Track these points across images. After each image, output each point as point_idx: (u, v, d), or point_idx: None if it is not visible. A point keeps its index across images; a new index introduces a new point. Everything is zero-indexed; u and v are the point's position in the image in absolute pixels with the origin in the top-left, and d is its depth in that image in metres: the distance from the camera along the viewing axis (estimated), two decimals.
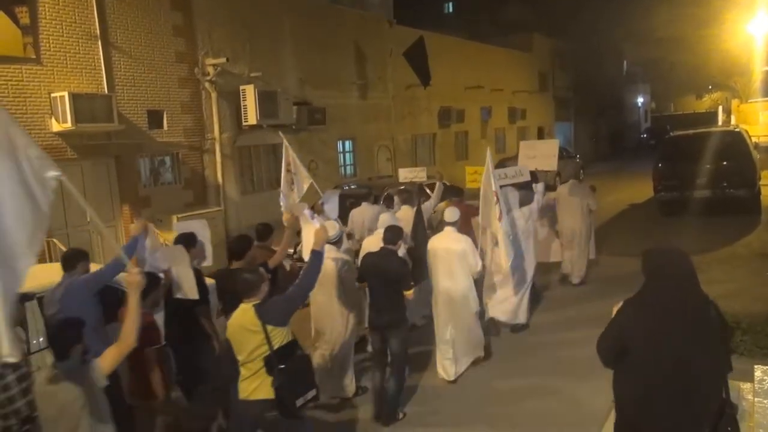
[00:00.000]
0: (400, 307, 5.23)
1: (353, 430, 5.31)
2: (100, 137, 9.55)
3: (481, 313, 6.54)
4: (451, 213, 6.11)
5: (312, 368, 4.17)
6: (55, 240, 8.85)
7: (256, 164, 13.13)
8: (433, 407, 5.56)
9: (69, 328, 3.21)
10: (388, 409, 5.27)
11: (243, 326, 3.80)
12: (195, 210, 10.68)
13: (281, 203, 6.84)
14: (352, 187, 11.21)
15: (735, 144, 12.94)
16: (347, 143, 16.28)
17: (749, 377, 3.69)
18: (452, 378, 5.92)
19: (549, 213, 8.87)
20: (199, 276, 5.14)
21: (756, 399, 3.90)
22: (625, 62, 40.86)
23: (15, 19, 8.44)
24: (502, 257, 6.22)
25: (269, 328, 3.74)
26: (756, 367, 3.75)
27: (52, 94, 8.82)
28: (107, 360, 3.17)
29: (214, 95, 11.60)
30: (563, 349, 6.45)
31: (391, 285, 5.16)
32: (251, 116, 11.97)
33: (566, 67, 32.29)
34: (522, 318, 7.18)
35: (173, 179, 11.12)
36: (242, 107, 12.03)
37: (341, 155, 16.06)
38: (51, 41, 8.90)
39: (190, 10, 11.24)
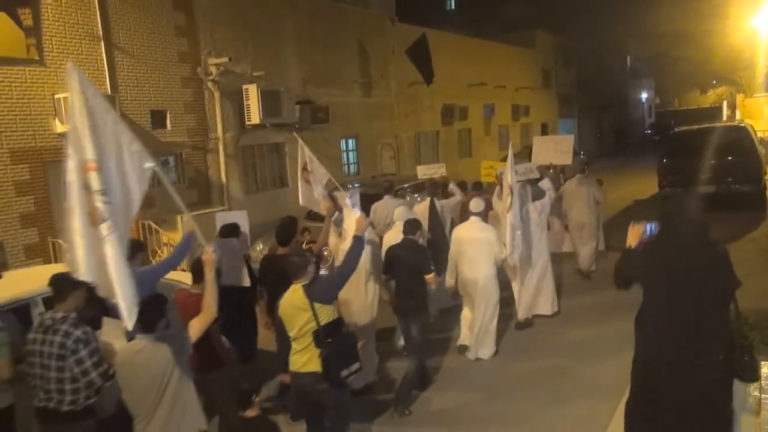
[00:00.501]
0: (421, 294, 5.57)
1: (376, 412, 5.46)
2: None
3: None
4: (477, 203, 6.48)
5: (356, 344, 4.69)
6: (60, 241, 8.86)
7: (259, 163, 13.14)
8: (453, 385, 5.95)
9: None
10: (400, 393, 5.47)
11: (293, 305, 4.25)
12: (199, 210, 10.68)
13: (300, 200, 7.11)
14: (356, 185, 11.22)
15: (740, 139, 12.88)
16: (350, 141, 16.27)
17: (753, 375, 3.68)
18: (472, 357, 6.46)
19: (557, 207, 9.06)
20: (247, 264, 5.66)
21: (763, 395, 3.89)
22: (628, 58, 40.74)
23: (18, 21, 8.46)
24: (507, 247, 6.38)
25: (316, 305, 4.19)
26: (763, 363, 3.74)
27: (56, 96, 8.83)
28: (194, 329, 3.73)
29: (217, 95, 11.61)
30: (575, 333, 6.92)
31: (414, 273, 5.51)
32: (254, 115, 11.97)
33: (569, 63, 32.20)
34: (556, 306, 7.65)
35: (177, 179, 11.13)
36: (245, 106, 12.03)
37: (344, 153, 16.05)
38: (54, 42, 8.92)
39: (192, 10, 11.25)
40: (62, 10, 9.01)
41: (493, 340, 6.48)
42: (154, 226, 10.14)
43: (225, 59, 11.38)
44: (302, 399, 4.45)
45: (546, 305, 7.52)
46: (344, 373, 4.24)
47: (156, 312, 3.61)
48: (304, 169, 6.91)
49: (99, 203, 3.12)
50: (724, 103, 27.61)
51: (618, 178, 19.97)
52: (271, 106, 12.10)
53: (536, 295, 7.43)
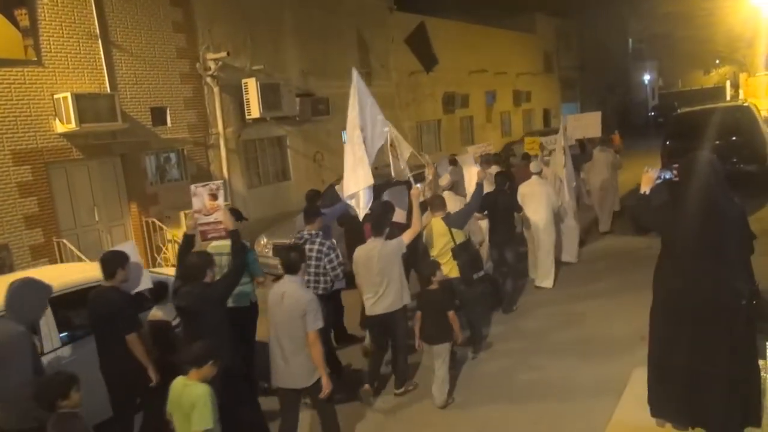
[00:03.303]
0: (513, 227, 7.60)
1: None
2: (104, 136, 9.57)
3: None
4: (536, 165, 8.41)
5: (481, 256, 6.50)
6: (64, 240, 8.91)
7: (261, 157, 13.13)
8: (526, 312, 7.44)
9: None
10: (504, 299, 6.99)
11: (437, 232, 5.97)
12: None
13: (392, 173, 8.20)
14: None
15: (744, 119, 12.75)
16: None
17: (761, 355, 3.72)
18: (537, 284, 8.13)
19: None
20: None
21: None
22: (630, 40, 40.38)
23: (15, 22, 8.44)
24: (565, 193, 8.56)
25: (453, 230, 5.92)
26: None
27: (55, 96, 8.83)
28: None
29: (216, 90, 11.58)
30: (591, 285, 8.15)
31: (506, 213, 7.39)
32: (254, 109, 11.95)
33: (571, 46, 31.97)
34: (576, 256, 9.26)
35: (179, 176, 11.14)
36: (245, 101, 12.01)
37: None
38: (51, 42, 8.91)
39: (189, 5, 11.20)
40: (59, 9, 8.98)
41: (551, 273, 8.05)
42: (158, 223, 10.17)
43: (223, 54, 11.35)
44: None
45: (573, 253, 9.11)
46: (475, 276, 6.06)
47: (384, 219, 5.55)
48: (391, 145, 7.87)
49: (360, 141, 5.65)
50: (728, 83, 27.37)
51: (621, 160, 19.84)
52: (271, 99, 12.07)
53: (566, 243, 9.01)
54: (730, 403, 3.50)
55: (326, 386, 4.28)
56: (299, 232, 5.98)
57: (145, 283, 5.05)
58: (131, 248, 4.94)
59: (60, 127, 8.87)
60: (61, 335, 5.06)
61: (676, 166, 4.23)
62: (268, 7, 13.07)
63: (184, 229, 10.01)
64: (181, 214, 10.15)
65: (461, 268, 5.82)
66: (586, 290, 7.88)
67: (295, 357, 4.26)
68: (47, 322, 4.98)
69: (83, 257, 8.70)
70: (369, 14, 16.46)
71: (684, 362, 3.63)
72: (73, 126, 8.69)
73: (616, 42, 35.73)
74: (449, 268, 5.80)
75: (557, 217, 8.51)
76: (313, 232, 5.71)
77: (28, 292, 4.15)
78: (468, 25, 22.11)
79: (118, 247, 5.05)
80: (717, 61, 29.13)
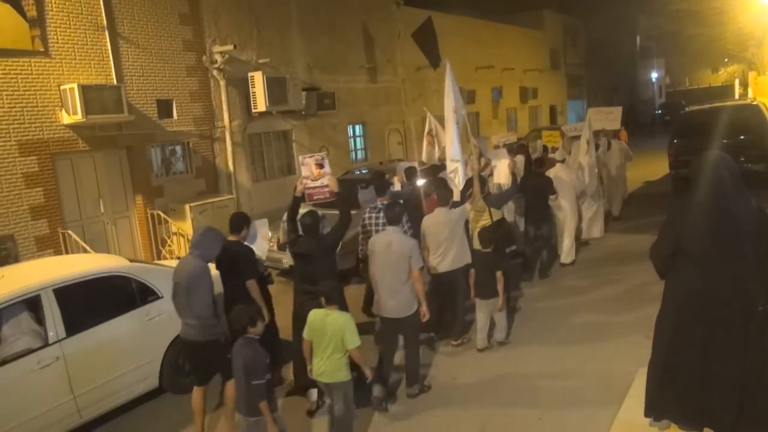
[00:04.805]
0: (547, 204, 8.52)
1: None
2: (110, 128, 9.58)
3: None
4: (560, 154, 9.50)
5: (514, 233, 7.68)
6: (70, 232, 8.93)
7: (267, 151, 13.11)
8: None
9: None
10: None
11: (477, 210, 6.79)
12: (207, 198, 10.71)
13: (423, 157, 9.73)
14: (364, 171, 11.20)
15: (752, 118, 12.67)
16: (357, 128, 16.20)
17: None
18: (561, 261, 9.05)
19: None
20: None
21: None
22: (638, 37, 40.17)
23: (22, 12, 8.43)
24: (587, 177, 9.54)
25: (492, 210, 6.90)
26: None
27: (62, 87, 8.83)
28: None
29: (222, 83, 11.57)
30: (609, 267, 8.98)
31: (541, 192, 8.37)
32: (260, 103, 11.92)
33: (578, 43, 31.81)
34: (603, 232, 10.39)
35: (185, 168, 11.14)
36: (251, 94, 11.99)
37: (352, 140, 15.99)
38: (58, 33, 8.91)
39: None
40: (66, 0, 8.98)
41: (572, 252, 9.06)
42: (163, 215, 10.18)
43: (230, 47, 11.33)
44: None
45: (598, 230, 10.15)
46: (508, 250, 6.97)
47: (448, 193, 6.32)
48: (429, 133, 9.62)
49: (455, 122, 6.85)
50: (736, 82, 27.19)
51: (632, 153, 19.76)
52: (277, 93, 12.04)
53: (590, 223, 9.99)
54: (741, 406, 3.47)
55: (425, 314, 5.28)
56: (373, 202, 6.93)
57: (261, 251, 6.15)
58: (264, 224, 6.44)
59: (66, 119, 8.88)
60: (66, 326, 5.06)
61: None
62: (274, 1, 13.04)
63: (189, 222, 10.05)
64: (186, 206, 10.15)
65: (495, 243, 6.40)
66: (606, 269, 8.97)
67: (399, 292, 5.20)
68: (52, 313, 4.99)
69: (88, 248, 8.72)
70: (376, 8, 16.40)
71: (697, 363, 3.57)
72: (79, 117, 8.70)
73: (623, 39, 35.54)
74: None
75: (579, 200, 9.46)
76: (385, 202, 6.55)
77: (210, 236, 4.99)
78: (475, 21, 22.00)
79: (256, 222, 6.26)
80: (726, 60, 28.90)
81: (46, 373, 4.86)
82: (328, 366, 4.39)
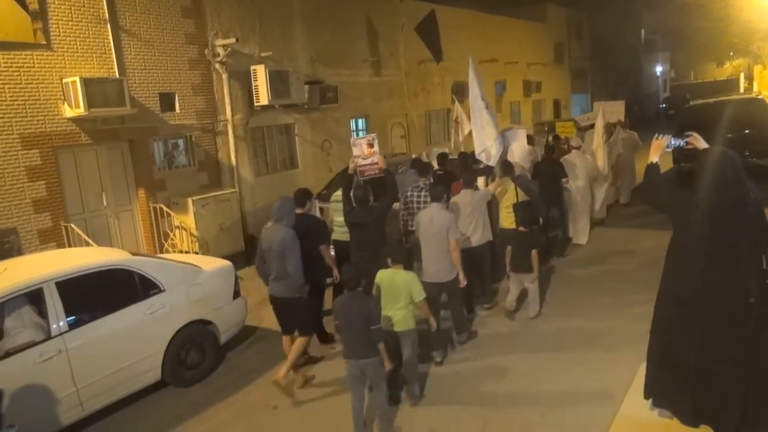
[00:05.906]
0: (561, 188, 9.45)
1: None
2: (113, 121, 9.57)
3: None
4: (576, 141, 10.40)
5: (538, 213, 7.78)
6: (72, 225, 8.94)
7: (269, 145, 13.09)
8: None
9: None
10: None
11: (505, 189, 7.56)
12: (210, 192, 10.71)
13: (452, 144, 10.94)
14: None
15: (757, 112, 12.61)
16: (360, 121, 16.16)
17: None
18: (574, 241, 9.90)
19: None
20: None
21: None
22: (643, 31, 39.92)
23: (24, 5, 8.41)
24: (599, 160, 10.47)
25: (518, 190, 7.48)
26: None
27: (64, 80, 8.82)
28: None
29: (225, 76, 11.53)
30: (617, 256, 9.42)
31: (555, 178, 9.24)
32: (263, 96, 11.89)
33: (582, 37, 31.64)
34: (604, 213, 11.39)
35: (187, 162, 11.13)
36: (254, 88, 11.95)
37: (354, 133, 15.95)
38: (60, 26, 8.88)
39: None
40: None
41: (586, 232, 9.84)
42: (165, 209, 10.18)
43: (232, 40, 11.29)
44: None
45: (602, 210, 11.15)
46: (532, 227, 7.11)
47: (472, 178, 7.15)
48: (455, 121, 11.11)
49: (483, 107, 7.79)
50: (741, 75, 27.02)
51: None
52: (279, 86, 12.01)
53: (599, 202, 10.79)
54: (739, 403, 3.45)
55: (462, 280, 5.98)
56: (415, 183, 7.56)
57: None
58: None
59: (68, 112, 8.87)
60: (68, 319, 5.07)
61: (687, 134, 4.06)
62: None
63: (191, 215, 10.05)
64: (189, 200, 10.15)
65: (522, 221, 7.00)
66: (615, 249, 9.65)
67: (441, 261, 5.90)
68: (54, 307, 5.00)
69: (91, 242, 8.73)
70: (379, 2, 16.32)
71: (693, 359, 3.56)
72: (81, 110, 8.69)
73: (628, 33, 35.32)
74: (510, 221, 7.49)
75: (593, 184, 10.27)
76: (427, 183, 7.31)
77: (288, 206, 5.68)
78: (478, 14, 21.89)
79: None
80: (731, 53, 28.68)
81: (49, 366, 4.87)
82: (399, 317, 5.04)
